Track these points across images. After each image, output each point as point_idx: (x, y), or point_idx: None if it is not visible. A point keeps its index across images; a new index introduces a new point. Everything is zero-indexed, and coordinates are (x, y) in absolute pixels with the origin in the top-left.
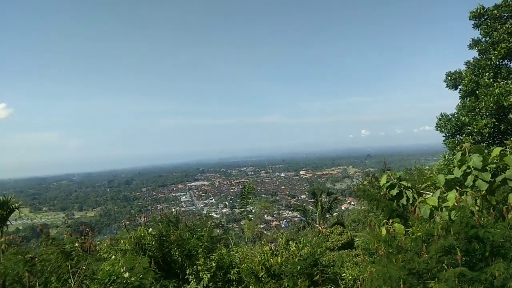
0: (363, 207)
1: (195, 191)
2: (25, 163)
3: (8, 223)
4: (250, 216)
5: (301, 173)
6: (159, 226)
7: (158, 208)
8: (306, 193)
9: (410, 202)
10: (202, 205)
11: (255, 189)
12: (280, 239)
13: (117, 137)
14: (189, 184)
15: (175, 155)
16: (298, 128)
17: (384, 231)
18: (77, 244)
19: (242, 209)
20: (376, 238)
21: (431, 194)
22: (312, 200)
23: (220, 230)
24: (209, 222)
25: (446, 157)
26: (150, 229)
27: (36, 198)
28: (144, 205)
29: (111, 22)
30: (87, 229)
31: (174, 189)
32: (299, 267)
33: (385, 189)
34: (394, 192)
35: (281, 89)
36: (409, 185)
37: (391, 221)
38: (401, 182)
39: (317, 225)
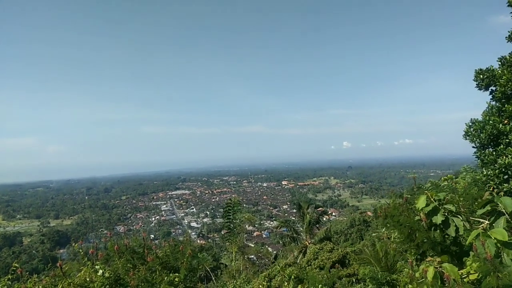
0: (345, 219)
1: (176, 200)
2: None
3: None
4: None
5: (283, 183)
6: (116, 262)
7: (138, 216)
8: (288, 203)
9: (460, 233)
10: (183, 214)
11: (240, 205)
12: (284, 279)
13: (98, 144)
14: (170, 193)
15: (156, 163)
16: (281, 138)
17: (431, 274)
18: None
19: (228, 232)
20: (416, 283)
21: (487, 222)
22: (294, 211)
23: (202, 240)
24: (188, 249)
25: (484, 173)
26: (101, 271)
27: (10, 205)
28: (124, 213)
29: (93, 28)
30: None
31: (155, 197)
32: None
33: (423, 215)
34: (439, 219)
35: (264, 100)
36: (454, 209)
37: (436, 258)
38: (445, 206)
39: (303, 239)
